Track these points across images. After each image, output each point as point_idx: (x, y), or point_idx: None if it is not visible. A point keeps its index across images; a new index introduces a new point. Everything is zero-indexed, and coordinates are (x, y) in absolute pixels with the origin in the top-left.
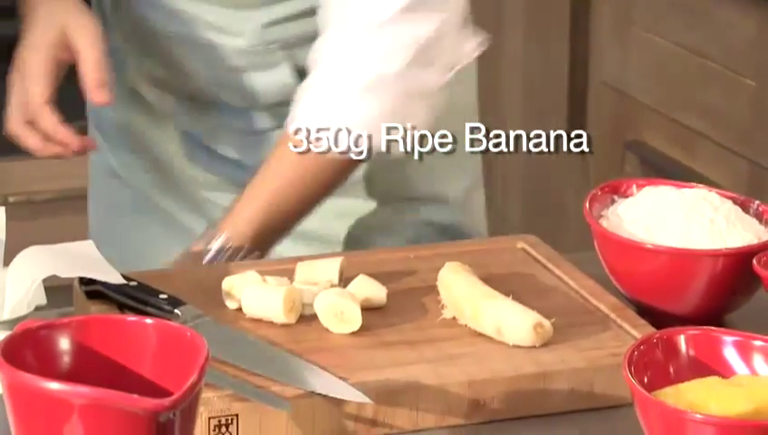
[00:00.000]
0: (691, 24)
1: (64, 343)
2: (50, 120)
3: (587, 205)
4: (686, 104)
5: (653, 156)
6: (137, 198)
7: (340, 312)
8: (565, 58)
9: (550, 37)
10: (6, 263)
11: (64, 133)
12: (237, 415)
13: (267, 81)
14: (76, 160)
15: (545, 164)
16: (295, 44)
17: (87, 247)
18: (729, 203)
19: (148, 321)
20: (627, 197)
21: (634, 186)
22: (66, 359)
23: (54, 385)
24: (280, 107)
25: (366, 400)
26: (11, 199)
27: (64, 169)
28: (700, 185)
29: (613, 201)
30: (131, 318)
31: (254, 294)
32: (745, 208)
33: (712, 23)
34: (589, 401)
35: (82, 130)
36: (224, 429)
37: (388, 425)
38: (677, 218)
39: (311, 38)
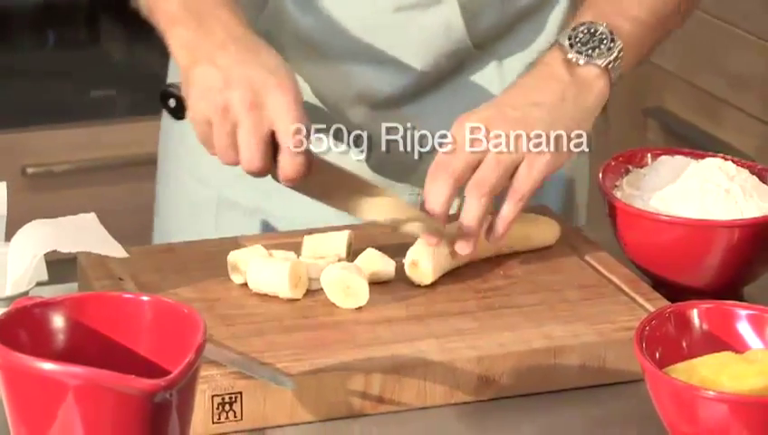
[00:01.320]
0: None
1: (59, 322)
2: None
3: (600, 175)
4: (708, 70)
5: (674, 123)
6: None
7: (346, 286)
8: None
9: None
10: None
11: None
12: (241, 393)
13: (433, 19)
14: (94, 133)
15: None
16: None
17: (90, 220)
18: (746, 172)
19: (145, 298)
20: (642, 166)
21: (649, 155)
22: (62, 337)
23: (48, 365)
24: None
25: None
26: (29, 171)
27: (83, 140)
28: (716, 154)
29: (628, 171)
30: (127, 295)
31: (260, 268)
32: (762, 178)
33: None
34: (600, 376)
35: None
36: (227, 406)
37: (395, 402)
38: (693, 189)
39: None
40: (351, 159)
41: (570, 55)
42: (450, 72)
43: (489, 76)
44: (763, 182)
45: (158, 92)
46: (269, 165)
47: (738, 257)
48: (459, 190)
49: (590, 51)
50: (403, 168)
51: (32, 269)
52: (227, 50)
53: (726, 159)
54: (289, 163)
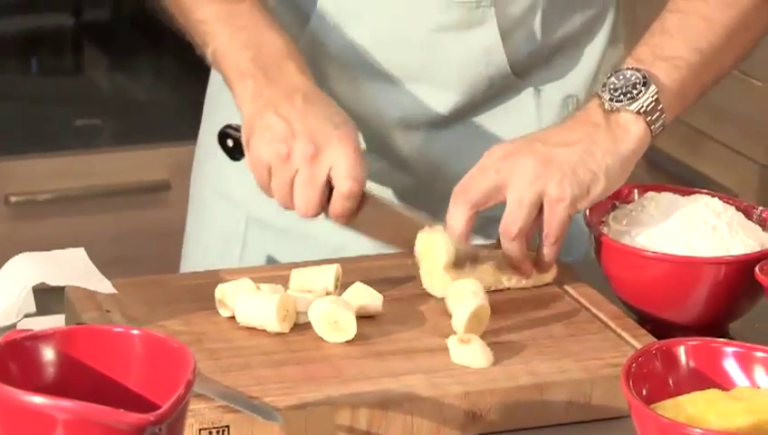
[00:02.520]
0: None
1: (50, 355)
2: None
3: (587, 210)
4: (693, 105)
5: (657, 156)
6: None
7: (334, 320)
8: None
9: None
10: None
11: None
12: (228, 426)
13: (472, 42)
14: (78, 161)
15: None
16: (502, 0)
17: (78, 254)
18: (732, 209)
19: (135, 332)
20: (628, 202)
21: (635, 191)
22: (52, 370)
23: (38, 399)
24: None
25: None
26: (12, 199)
27: (66, 169)
28: (702, 191)
29: (614, 207)
30: (117, 329)
31: (247, 302)
32: (748, 215)
33: None
34: (587, 412)
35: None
36: None
37: None
38: (679, 225)
39: None
40: (391, 182)
41: (604, 102)
42: (488, 99)
43: (526, 104)
44: (749, 219)
45: (141, 121)
46: (321, 210)
47: (724, 294)
48: None
49: (621, 96)
50: (443, 193)
51: (20, 301)
52: (293, 101)
53: (713, 196)
54: (340, 207)
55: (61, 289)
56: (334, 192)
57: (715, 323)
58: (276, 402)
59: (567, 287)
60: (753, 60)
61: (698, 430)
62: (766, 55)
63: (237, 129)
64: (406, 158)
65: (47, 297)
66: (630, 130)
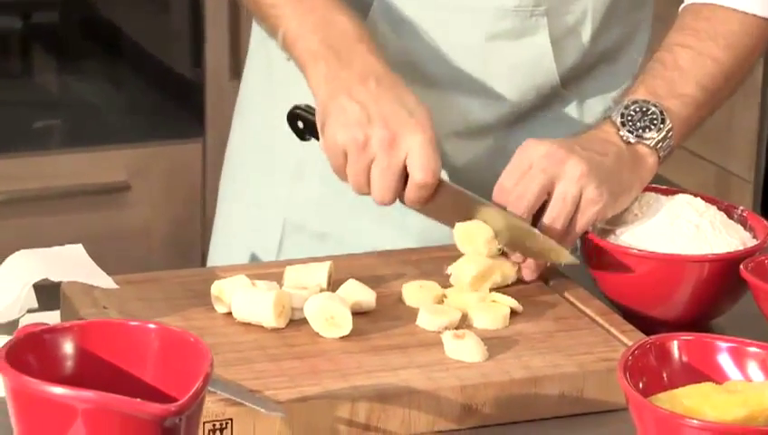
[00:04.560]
0: (660, 31)
1: (67, 347)
2: None
3: None
4: None
5: None
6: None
7: (330, 316)
8: None
9: None
10: None
11: None
12: (231, 419)
13: (523, 51)
14: (30, 163)
15: None
16: (558, 10)
17: (77, 251)
18: (713, 209)
19: (151, 326)
20: None
21: None
22: (69, 363)
23: (59, 389)
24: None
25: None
26: None
27: (18, 171)
28: (685, 190)
29: None
30: (134, 323)
31: (244, 298)
32: (729, 214)
33: None
34: (578, 405)
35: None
36: (218, 433)
37: (380, 429)
38: (663, 224)
39: (571, 4)
40: None
41: (621, 133)
42: (536, 108)
43: (570, 115)
44: (730, 218)
45: (96, 123)
46: (397, 197)
47: (708, 292)
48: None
49: (640, 130)
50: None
51: (23, 297)
52: (367, 85)
53: (695, 196)
54: (416, 195)
55: (55, 286)
56: (409, 181)
57: (698, 320)
58: (277, 396)
59: (553, 284)
60: None
61: (695, 422)
62: None
63: (307, 109)
64: (450, 163)
65: (41, 294)
66: (647, 161)
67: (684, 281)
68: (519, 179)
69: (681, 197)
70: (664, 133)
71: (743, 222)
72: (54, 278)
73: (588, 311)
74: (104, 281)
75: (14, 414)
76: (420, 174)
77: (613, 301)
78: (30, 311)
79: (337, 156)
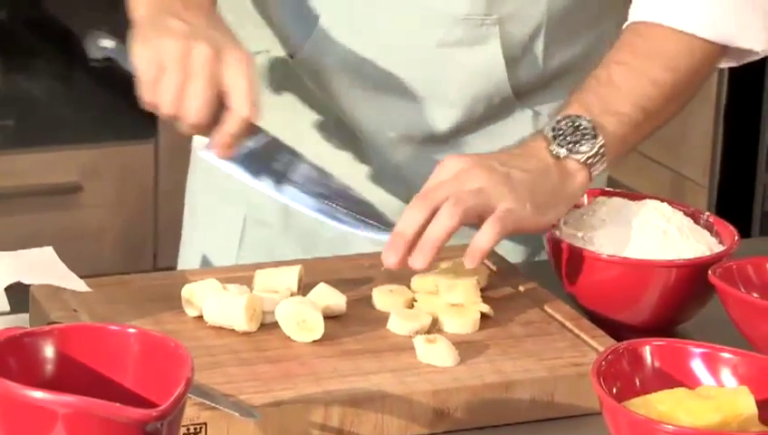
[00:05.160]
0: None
1: (47, 351)
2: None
3: None
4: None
5: None
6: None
7: (302, 320)
8: None
9: None
10: None
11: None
12: (206, 423)
13: (475, 60)
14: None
15: None
16: (510, 20)
17: (48, 254)
18: (680, 214)
19: (131, 330)
20: (578, 207)
21: (585, 196)
22: (48, 367)
23: (39, 394)
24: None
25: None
26: None
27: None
28: (651, 196)
29: None
30: (114, 327)
31: (215, 302)
32: (695, 220)
33: None
34: (549, 410)
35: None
36: None
37: (353, 433)
38: (631, 229)
39: (524, 17)
40: (386, 192)
41: (552, 147)
42: (487, 119)
43: (523, 126)
44: (697, 224)
45: (45, 122)
46: (211, 122)
47: (675, 297)
48: None
49: (571, 145)
50: None
51: None
52: (196, 15)
53: (662, 201)
54: (234, 125)
55: (22, 288)
56: (230, 113)
57: (664, 326)
58: (251, 400)
59: (521, 288)
60: None
61: (670, 427)
62: None
63: None
64: (402, 170)
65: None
66: (576, 177)
67: (651, 286)
68: (425, 194)
69: (649, 202)
70: (596, 149)
71: (709, 227)
72: (26, 281)
73: (557, 316)
74: (76, 284)
75: None
76: (241, 98)
77: (581, 305)
78: (1, 314)
79: (152, 69)
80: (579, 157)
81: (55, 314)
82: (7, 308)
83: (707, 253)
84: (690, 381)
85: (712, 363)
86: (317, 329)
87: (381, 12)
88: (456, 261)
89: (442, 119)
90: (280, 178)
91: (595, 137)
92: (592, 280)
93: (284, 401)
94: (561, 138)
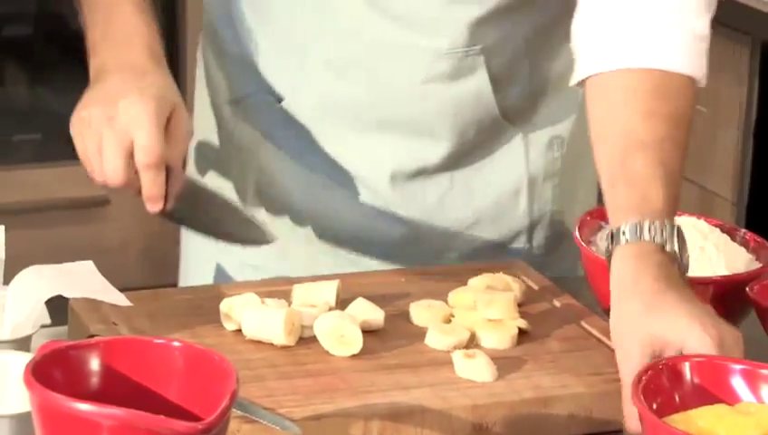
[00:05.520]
0: None
1: (92, 364)
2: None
3: (576, 231)
4: None
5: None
6: None
7: (341, 335)
8: None
9: None
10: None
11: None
12: None
13: (462, 91)
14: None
15: None
16: (493, 48)
17: (87, 267)
18: (717, 231)
19: (176, 344)
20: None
21: None
22: (93, 380)
23: (85, 406)
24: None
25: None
26: None
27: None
28: (687, 213)
29: (601, 227)
30: (158, 340)
31: (255, 316)
32: (732, 236)
33: None
34: (587, 425)
35: None
36: None
37: None
38: None
39: (507, 42)
40: (382, 230)
41: (681, 264)
42: (478, 145)
43: (515, 149)
44: (733, 241)
45: (66, 137)
46: (135, 180)
47: None
48: None
49: (686, 259)
50: (435, 241)
51: (36, 313)
52: (120, 75)
53: (699, 218)
54: (144, 180)
55: (60, 301)
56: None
57: None
58: (291, 413)
59: (558, 304)
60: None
61: None
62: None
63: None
64: (397, 207)
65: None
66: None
67: None
68: None
69: (686, 219)
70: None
71: (745, 244)
72: (68, 294)
73: (594, 331)
74: (117, 297)
75: (39, 429)
76: (140, 151)
77: None
78: (43, 326)
79: (78, 144)
80: (686, 261)
81: (95, 328)
82: (48, 321)
83: (744, 270)
84: (729, 398)
85: (751, 380)
86: (356, 343)
87: (366, 51)
88: (494, 276)
89: (433, 152)
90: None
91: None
92: None
93: (324, 414)
94: (684, 254)
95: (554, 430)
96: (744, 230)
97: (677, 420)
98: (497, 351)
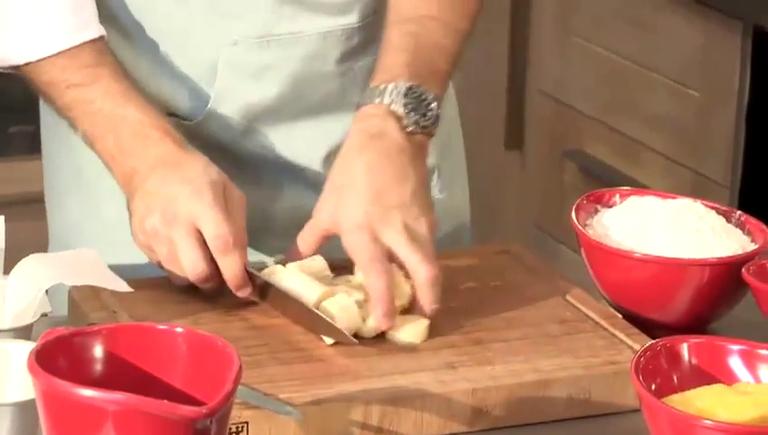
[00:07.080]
0: (634, 35)
1: (96, 351)
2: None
3: (573, 214)
4: (628, 114)
5: (593, 164)
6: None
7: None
8: (504, 67)
9: (490, 46)
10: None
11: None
12: (247, 423)
13: (370, 57)
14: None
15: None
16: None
17: (89, 254)
18: (713, 213)
19: (179, 329)
20: (611, 206)
21: (617, 195)
22: (97, 366)
23: (90, 392)
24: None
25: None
26: None
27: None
28: (683, 195)
29: (597, 211)
30: (161, 326)
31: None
32: (728, 218)
33: (656, 33)
34: (586, 408)
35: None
36: None
37: (393, 432)
38: (664, 228)
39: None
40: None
41: (405, 123)
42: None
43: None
44: (729, 222)
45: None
46: (215, 270)
47: (708, 295)
48: None
49: (419, 119)
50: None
51: (36, 302)
52: (154, 175)
53: (695, 200)
54: (225, 266)
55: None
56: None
57: (697, 324)
58: (292, 399)
59: (556, 288)
60: (689, 70)
61: (710, 422)
62: (701, 66)
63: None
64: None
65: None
66: (426, 148)
67: (685, 285)
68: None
69: (682, 201)
70: (435, 118)
71: (741, 226)
72: (69, 282)
73: (592, 314)
74: (118, 284)
75: (43, 416)
76: (210, 239)
77: (614, 304)
78: (43, 315)
79: (149, 254)
80: (429, 129)
81: (94, 316)
82: (49, 309)
83: (740, 251)
84: (727, 378)
85: (749, 360)
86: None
87: (281, 49)
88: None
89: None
90: None
91: (435, 104)
92: (625, 279)
93: (325, 399)
94: (412, 114)
95: (553, 412)
96: (739, 212)
97: (676, 400)
98: (494, 333)
